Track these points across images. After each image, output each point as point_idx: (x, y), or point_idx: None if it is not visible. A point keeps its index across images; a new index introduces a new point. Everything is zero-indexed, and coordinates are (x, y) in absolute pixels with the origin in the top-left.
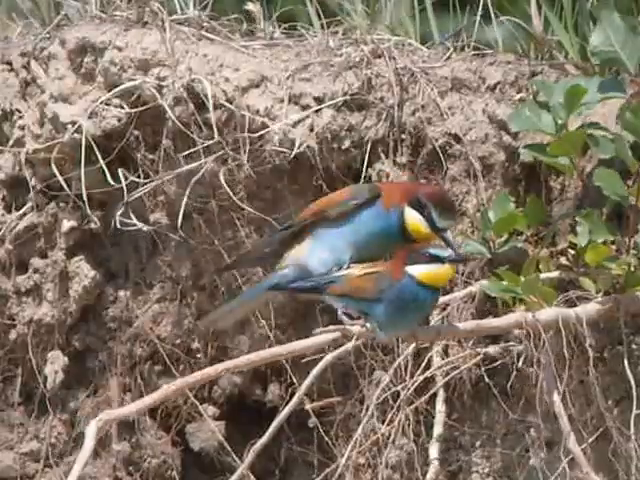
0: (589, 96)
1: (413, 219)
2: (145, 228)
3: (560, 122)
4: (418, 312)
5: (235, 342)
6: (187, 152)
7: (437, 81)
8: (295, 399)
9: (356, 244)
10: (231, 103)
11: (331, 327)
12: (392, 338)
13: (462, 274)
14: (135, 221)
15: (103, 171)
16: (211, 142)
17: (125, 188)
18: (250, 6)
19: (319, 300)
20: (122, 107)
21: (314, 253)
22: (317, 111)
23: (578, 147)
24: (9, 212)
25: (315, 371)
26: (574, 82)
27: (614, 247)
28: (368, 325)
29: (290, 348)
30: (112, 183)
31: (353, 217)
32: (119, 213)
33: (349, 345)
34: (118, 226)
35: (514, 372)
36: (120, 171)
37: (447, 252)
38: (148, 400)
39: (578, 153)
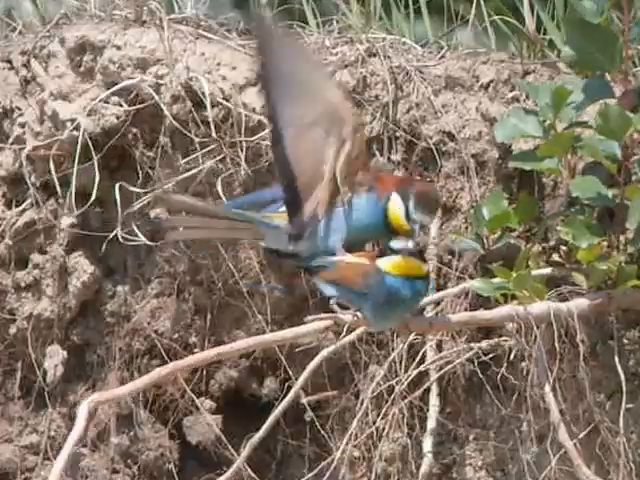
0: (577, 97)
1: (395, 208)
2: (148, 242)
3: (548, 123)
4: (406, 304)
5: (231, 337)
6: (185, 150)
7: (431, 79)
8: (291, 394)
9: (349, 230)
10: (228, 101)
11: (323, 315)
12: (384, 328)
13: (456, 270)
14: (139, 235)
15: (101, 168)
16: (208, 140)
17: (123, 190)
18: None
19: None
20: (121, 105)
21: (312, 236)
22: None
23: (567, 148)
24: (9, 208)
25: (311, 366)
26: (559, 83)
27: (606, 244)
28: (359, 314)
29: (283, 335)
30: (109, 182)
31: (352, 202)
32: (119, 221)
33: (345, 340)
34: (121, 241)
35: (507, 366)
36: (121, 182)
37: (407, 243)
38: (141, 382)
39: (567, 153)
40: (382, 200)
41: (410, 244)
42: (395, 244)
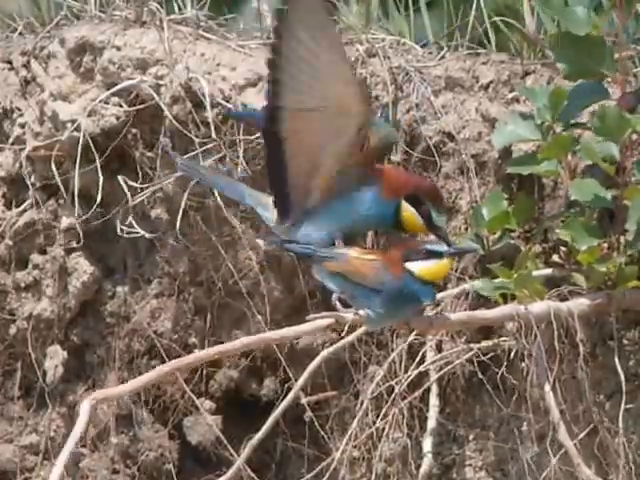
0: (574, 100)
1: (410, 214)
2: (147, 235)
3: (546, 125)
4: (414, 307)
5: (231, 337)
6: (185, 150)
7: (431, 80)
8: (291, 394)
9: (347, 224)
10: (228, 102)
11: (325, 313)
12: (384, 326)
13: (456, 270)
14: (137, 228)
15: (101, 168)
16: (208, 140)
17: (123, 191)
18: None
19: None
20: (120, 106)
21: (305, 224)
22: None
23: (567, 149)
24: (9, 209)
25: (311, 366)
26: (557, 86)
27: (606, 245)
28: (361, 312)
29: (284, 333)
30: (109, 182)
31: (351, 196)
32: (119, 218)
33: (345, 340)
34: (119, 233)
35: (507, 366)
36: (120, 178)
37: (443, 247)
38: (141, 380)
39: (567, 154)
40: (390, 198)
41: (448, 247)
42: (435, 247)
